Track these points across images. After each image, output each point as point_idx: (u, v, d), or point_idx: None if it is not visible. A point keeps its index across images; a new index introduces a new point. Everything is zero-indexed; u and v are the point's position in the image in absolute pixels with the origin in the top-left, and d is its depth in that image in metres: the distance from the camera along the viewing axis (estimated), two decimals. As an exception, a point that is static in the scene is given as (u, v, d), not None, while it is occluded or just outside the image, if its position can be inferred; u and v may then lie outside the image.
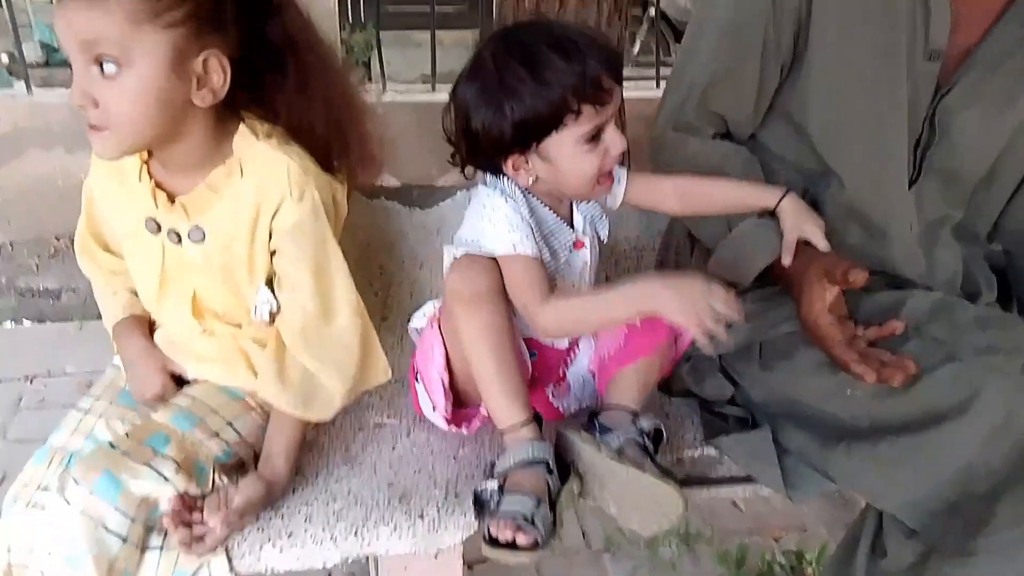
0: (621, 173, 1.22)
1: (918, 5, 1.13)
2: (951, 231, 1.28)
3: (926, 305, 1.16)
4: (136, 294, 1.25)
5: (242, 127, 1.09)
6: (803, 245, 1.16)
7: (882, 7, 1.13)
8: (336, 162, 1.16)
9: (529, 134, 1.05)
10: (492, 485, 1.05)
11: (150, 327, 1.26)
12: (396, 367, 1.23)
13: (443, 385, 1.17)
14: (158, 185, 1.11)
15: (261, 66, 1.07)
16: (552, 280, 1.14)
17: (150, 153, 1.11)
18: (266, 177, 1.08)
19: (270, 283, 1.16)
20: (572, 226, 1.19)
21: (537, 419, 1.11)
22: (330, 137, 1.14)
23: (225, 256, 1.13)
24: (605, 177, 1.10)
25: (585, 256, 1.19)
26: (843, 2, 1.14)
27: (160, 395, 1.19)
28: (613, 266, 1.65)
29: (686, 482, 1.22)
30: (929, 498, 1.06)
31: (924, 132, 1.20)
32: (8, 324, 2.48)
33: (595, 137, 1.05)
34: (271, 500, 1.12)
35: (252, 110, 1.11)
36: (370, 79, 5.00)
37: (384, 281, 1.59)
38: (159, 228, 1.13)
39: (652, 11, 4.84)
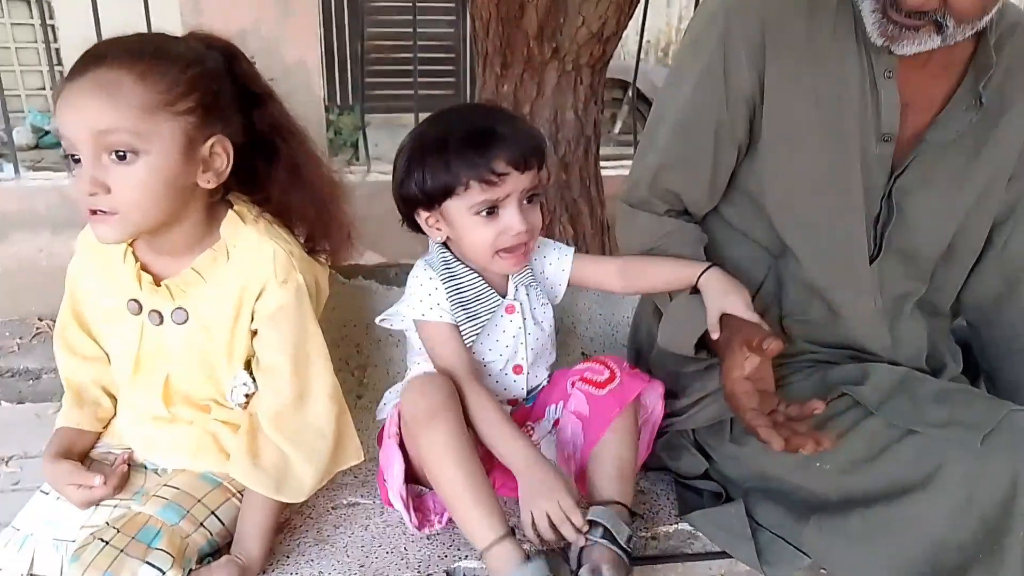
0: (566, 258, 1.32)
1: (868, 91, 1.17)
2: (915, 306, 1.30)
3: (890, 379, 1.18)
4: (98, 401, 1.26)
5: (231, 213, 1.13)
6: (732, 316, 1.17)
7: (833, 94, 1.17)
8: (319, 243, 1.21)
9: (431, 196, 1.19)
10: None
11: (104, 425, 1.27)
12: (369, 447, 1.23)
13: (403, 500, 1.18)
14: (143, 268, 1.13)
15: (254, 152, 1.13)
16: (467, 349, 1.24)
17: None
18: (252, 261, 1.12)
19: (247, 365, 1.17)
20: (506, 292, 1.28)
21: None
22: (315, 218, 1.19)
23: (205, 339, 1.15)
24: (507, 252, 1.20)
25: (518, 321, 1.28)
26: (794, 89, 1.18)
27: (96, 497, 1.15)
28: (588, 342, 1.67)
29: (661, 558, 1.21)
30: (901, 574, 1.06)
31: (883, 211, 1.23)
32: (-14, 405, 2.46)
33: (491, 212, 1.18)
34: None
35: (240, 194, 1.16)
36: (356, 160, 5.12)
37: (361, 360, 1.60)
38: (140, 309, 1.15)
39: (630, 92, 5.00)
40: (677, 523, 1.28)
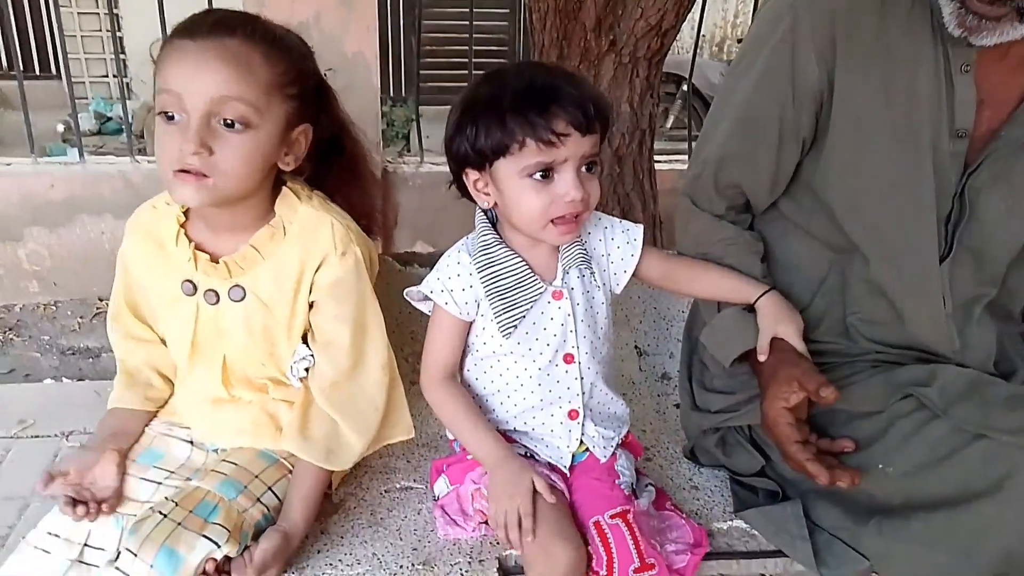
0: (636, 242, 1.24)
1: (944, 86, 1.14)
2: (985, 309, 1.26)
3: (959, 382, 1.15)
4: (151, 381, 1.28)
5: (285, 190, 1.16)
6: (781, 341, 1.19)
7: (904, 90, 1.14)
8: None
9: (481, 154, 1.10)
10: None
11: (162, 403, 1.30)
12: (421, 432, 1.24)
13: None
14: (198, 247, 1.16)
15: (324, 144, 1.19)
16: (455, 349, 1.21)
17: (187, 215, 1.16)
18: (310, 236, 1.15)
19: (304, 340, 1.19)
20: (554, 276, 1.19)
21: None
22: (360, 206, 1.25)
23: (265, 315, 1.17)
24: (560, 222, 1.10)
25: (566, 308, 1.18)
26: (865, 85, 1.16)
27: (105, 500, 1.14)
28: (642, 336, 1.66)
29: (715, 554, 1.20)
30: None
31: (954, 209, 1.20)
32: (48, 381, 2.54)
33: (545, 176, 1.08)
34: (289, 549, 1.12)
35: (293, 177, 1.19)
36: (408, 151, 5.16)
37: (415, 347, 1.61)
38: (195, 290, 1.17)
39: (684, 87, 4.95)
40: (732, 520, 1.27)
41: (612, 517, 1.12)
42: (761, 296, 1.23)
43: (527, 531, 1.07)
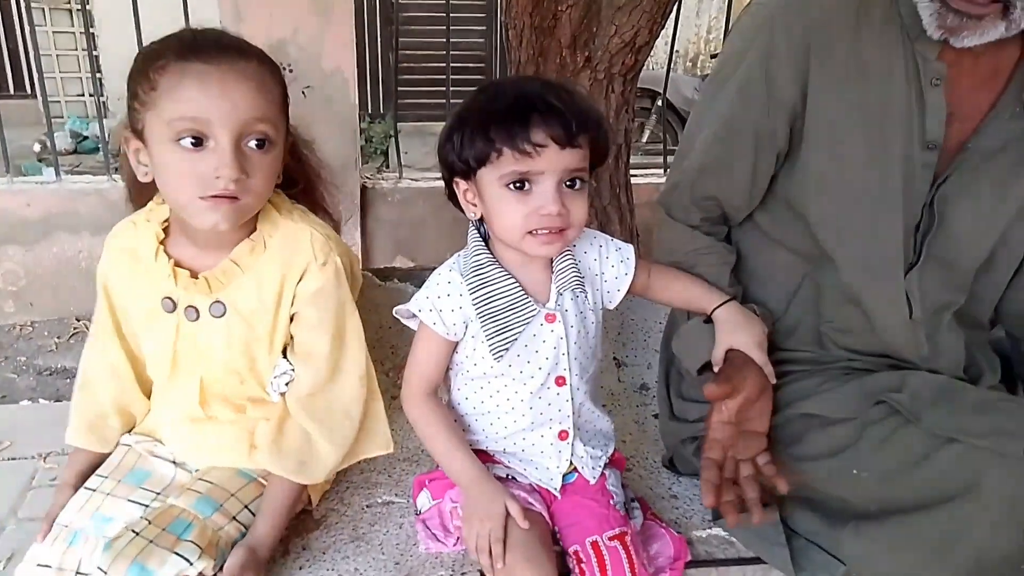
0: (629, 261, 1.24)
1: (914, 98, 1.16)
2: (953, 316, 1.29)
3: (929, 388, 1.17)
4: (109, 423, 1.28)
5: (266, 204, 1.16)
6: (738, 353, 1.21)
7: (877, 102, 1.17)
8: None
9: (466, 162, 1.10)
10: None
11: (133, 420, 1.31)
12: (403, 446, 1.24)
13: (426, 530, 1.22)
14: (177, 263, 1.16)
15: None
16: (441, 370, 1.22)
17: (167, 232, 1.17)
18: (290, 248, 1.15)
19: (284, 354, 1.19)
20: (547, 298, 1.18)
21: None
22: (318, 191, 1.29)
23: (245, 330, 1.17)
24: (540, 234, 1.09)
25: (560, 331, 1.17)
26: (837, 99, 1.18)
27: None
28: (621, 347, 1.67)
29: (695, 563, 1.21)
30: None
31: (924, 218, 1.22)
32: (25, 402, 2.51)
33: (521, 186, 1.07)
34: (258, 563, 1.11)
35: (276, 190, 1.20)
36: (387, 166, 5.16)
37: (396, 361, 1.62)
38: (175, 306, 1.16)
39: (659, 102, 5.00)
40: (711, 528, 1.28)
41: (611, 539, 1.11)
42: (719, 307, 1.25)
43: (497, 557, 1.06)
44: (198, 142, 1.02)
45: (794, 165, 1.24)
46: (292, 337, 1.19)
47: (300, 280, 1.15)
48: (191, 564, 1.04)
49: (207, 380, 1.20)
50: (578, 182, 1.10)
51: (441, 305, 1.15)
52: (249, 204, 1.08)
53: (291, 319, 1.18)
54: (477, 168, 1.10)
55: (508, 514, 1.09)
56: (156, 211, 1.19)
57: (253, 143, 1.04)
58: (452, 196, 1.18)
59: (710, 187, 1.29)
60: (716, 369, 1.22)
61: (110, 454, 1.27)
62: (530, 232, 1.09)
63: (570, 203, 1.09)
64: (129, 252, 1.19)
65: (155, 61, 1.03)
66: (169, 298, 1.17)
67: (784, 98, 1.19)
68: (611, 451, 1.28)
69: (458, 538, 1.19)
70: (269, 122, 1.05)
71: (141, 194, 1.21)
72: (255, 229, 1.16)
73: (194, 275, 1.15)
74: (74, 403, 1.29)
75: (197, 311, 1.16)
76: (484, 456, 1.22)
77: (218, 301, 1.15)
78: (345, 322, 1.19)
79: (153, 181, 1.10)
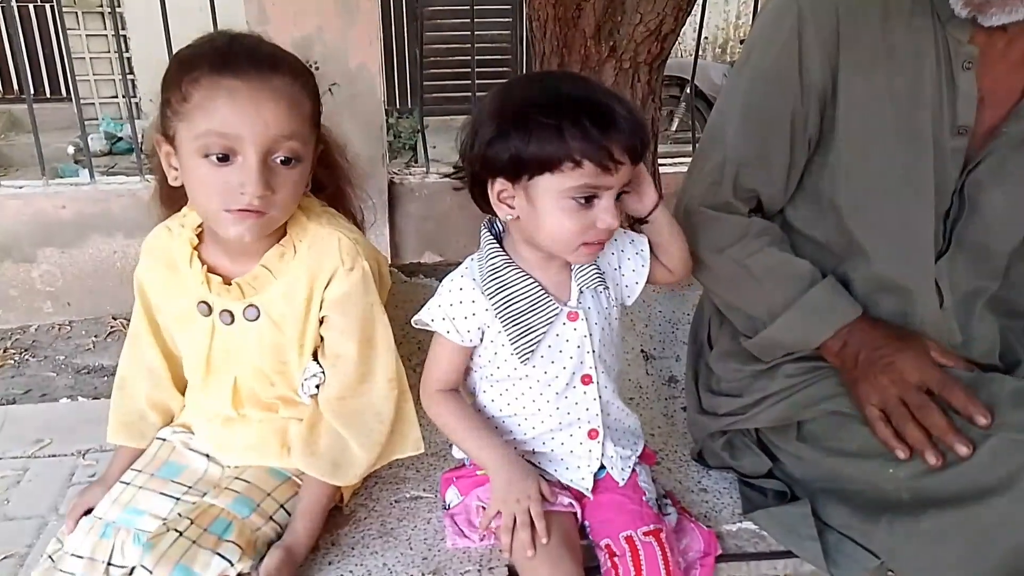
0: (644, 252, 1.20)
1: (945, 83, 1.14)
2: (987, 303, 1.27)
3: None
4: (147, 418, 1.31)
5: (296, 209, 1.17)
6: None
7: (907, 86, 1.15)
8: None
9: (523, 166, 1.03)
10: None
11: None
12: (430, 441, 1.25)
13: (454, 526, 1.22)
14: (210, 270, 1.17)
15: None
16: (462, 373, 1.21)
17: (200, 239, 1.18)
18: (319, 253, 1.16)
19: (315, 356, 1.20)
20: (568, 297, 1.15)
21: None
22: (349, 193, 1.31)
23: (276, 334, 1.18)
24: (589, 244, 1.07)
25: (583, 329, 1.15)
26: (867, 83, 1.16)
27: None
28: (648, 339, 1.66)
29: (725, 556, 1.20)
30: None
31: (954, 205, 1.20)
32: (64, 400, 2.57)
33: (588, 200, 1.03)
34: (293, 563, 1.13)
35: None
36: (415, 162, 5.18)
37: (422, 357, 1.61)
38: (210, 310, 1.18)
39: (688, 90, 4.95)
40: (741, 521, 1.27)
41: (646, 535, 1.10)
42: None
43: (542, 533, 1.05)
44: (225, 157, 1.03)
45: (826, 154, 1.22)
46: (322, 340, 1.20)
47: (328, 285, 1.16)
48: (232, 564, 1.06)
49: (240, 381, 1.22)
50: (622, 194, 1.08)
51: (454, 313, 1.13)
52: (275, 217, 1.09)
53: (320, 322, 1.19)
54: (537, 173, 1.03)
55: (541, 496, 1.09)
56: (190, 216, 1.20)
57: (280, 159, 1.05)
58: (478, 192, 1.12)
59: (751, 180, 1.26)
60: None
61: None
62: (583, 243, 1.06)
63: (619, 215, 1.07)
64: (165, 257, 1.21)
65: (189, 72, 1.03)
66: (204, 302, 1.18)
67: (815, 83, 1.18)
68: (640, 450, 1.27)
69: (484, 535, 1.19)
70: (298, 139, 1.05)
71: (171, 196, 1.22)
72: (285, 234, 1.17)
73: (227, 281, 1.17)
74: (113, 403, 1.32)
75: (232, 315, 1.18)
76: None
77: (252, 305, 1.17)
78: (373, 326, 1.19)
79: (183, 185, 1.12)
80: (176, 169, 1.10)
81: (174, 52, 1.11)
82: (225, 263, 1.18)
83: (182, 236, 1.19)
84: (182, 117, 1.04)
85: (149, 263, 1.24)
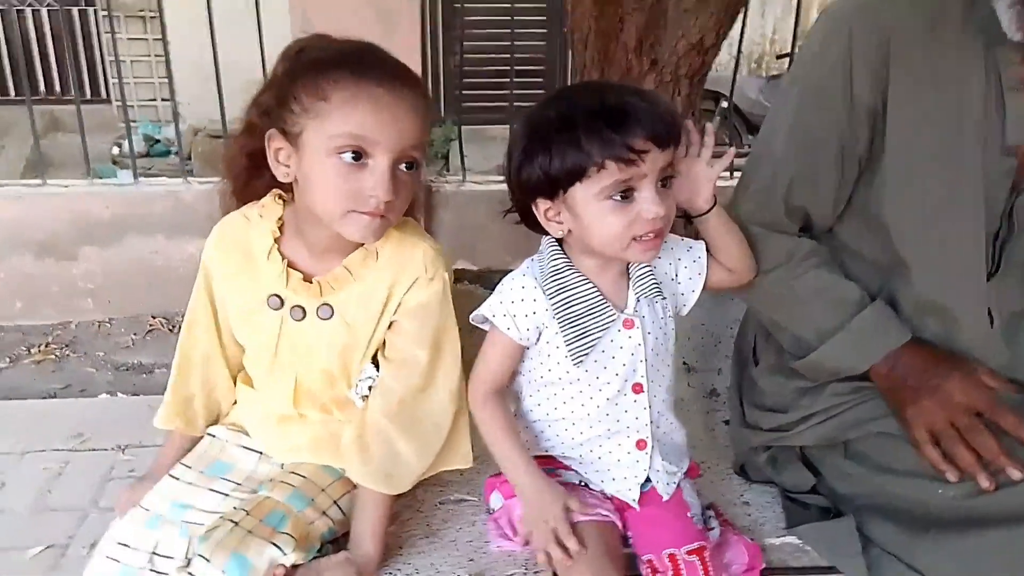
0: (701, 260, 1.20)
1: (994, 104, 1.14)
2: (1036, 323, 1.26)
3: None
4: (200, 407, 1.32)
5: None
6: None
7: (955, 107, 1.15)
8: None
9: (555, 182, 1.06)
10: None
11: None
12: (474, 445, 1.26)
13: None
14: (290, 264, 1.18)
15: None
16: (513, 368, 1.20)
17: (281, 231, 1.19)
18: (402, 260, 1.18)
19: (374, 359, 1.22)
20: (625, 304, 1.16)
21: None
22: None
23: (346, 335, 1.19)
24: (642, 239, 1.07)
25: (637, 337, 1.15)
26: (916, 103, 1.16)
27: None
28: (690, 352, 1.66)
29: (767, 571, 1.20)
30: None
31: (1003, 226, 1.19)
32: (104, 396, 2.61)
33: (625, 196, 1.04)
34: None
35: None
36: (447, 170, 5.20)
37: (465, 359, 1.63)
38: (282, 304, 1.19)
39: (723, 104, 4.94)
40: (784, 535, 1.26)
41: (689, 553, 1.10)
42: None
43: (574, 552, 1.07)
44: (357, 157, 1.04)
45: (874, 173, 1.22)
46: (384, 343, 1.21)
47: (407, 292, 1.17)
48: (285, 555, 1.08)
49: (300, 380, 1.23)
50: (669, 180, 1.08)
51: (515, 310, 1.14)
52: (391, 221, 1.11)
53: (389, 326, 1.20)
54: (569, 185, 1.06)
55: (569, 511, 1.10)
56: (269, 208, 1.20)
57: (404, 166, 1.07)
58: (528, 218, 1.14)
59: (801, 198, 1.26)
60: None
61: (194, 445, 1.31)
62: (634, 238, 1.07)
63: (667, 201, 1.07)
64: (241, 245, 1.21)
65: (327, 72, 1.04)
66: (277, 295, 1.19)
67: (864, 103, 1.18)
68: (686, 467, 1.26)
69: (527, 541, 1.20)
70: (421, 148, 1.08)
71: (244, 192, 1.23)
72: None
73: (307, 278, 1.18)
74: (170, 384, 1.33)
75: (304, 311, 1.19)
76: (557, 463, 1.22)
77: (327, 304, 1.18)
78: (445, 336, 1.20)
79: (267, 180, 1.14)
80: (287, 166, 1.10)
81: (263, 52, 1.12)
82: (305, 259, 1.19)
83: (262, 227, 1.19)
84: (315, 115, 1.04)
85: (221, 249, 1.24)
